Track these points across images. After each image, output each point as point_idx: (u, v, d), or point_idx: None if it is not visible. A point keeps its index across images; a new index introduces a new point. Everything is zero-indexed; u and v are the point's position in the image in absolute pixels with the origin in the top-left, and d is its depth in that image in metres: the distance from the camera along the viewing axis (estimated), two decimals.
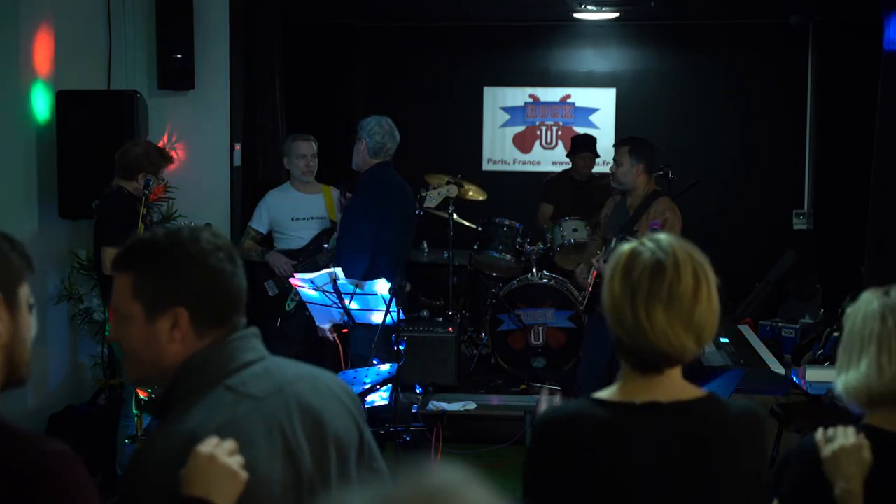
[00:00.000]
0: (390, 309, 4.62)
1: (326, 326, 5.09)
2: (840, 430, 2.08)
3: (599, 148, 8.08)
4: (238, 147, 6.49)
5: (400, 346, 4.72)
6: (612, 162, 5.60)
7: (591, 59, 9.26)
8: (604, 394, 1.95)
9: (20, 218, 5.46)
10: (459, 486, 0.93)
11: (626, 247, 1.93)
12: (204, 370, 1.78)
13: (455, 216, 6.91)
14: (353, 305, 4.71)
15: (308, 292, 4.80)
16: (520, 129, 9.31)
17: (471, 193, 7.25)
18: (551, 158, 9.09)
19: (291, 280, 5.00)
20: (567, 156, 7.83)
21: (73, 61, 5.85)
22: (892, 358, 2.06)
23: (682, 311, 1.85)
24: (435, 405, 5.94)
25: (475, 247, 7.08)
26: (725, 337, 5.08)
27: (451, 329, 6.54)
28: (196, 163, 6.02)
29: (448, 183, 5.61)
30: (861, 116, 7.52)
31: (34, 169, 5.59)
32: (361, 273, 4.95)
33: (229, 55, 6.35)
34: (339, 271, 4.73)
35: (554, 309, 6.79)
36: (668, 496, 1.87)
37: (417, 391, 6.09)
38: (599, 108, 9.21)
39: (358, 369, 4.71)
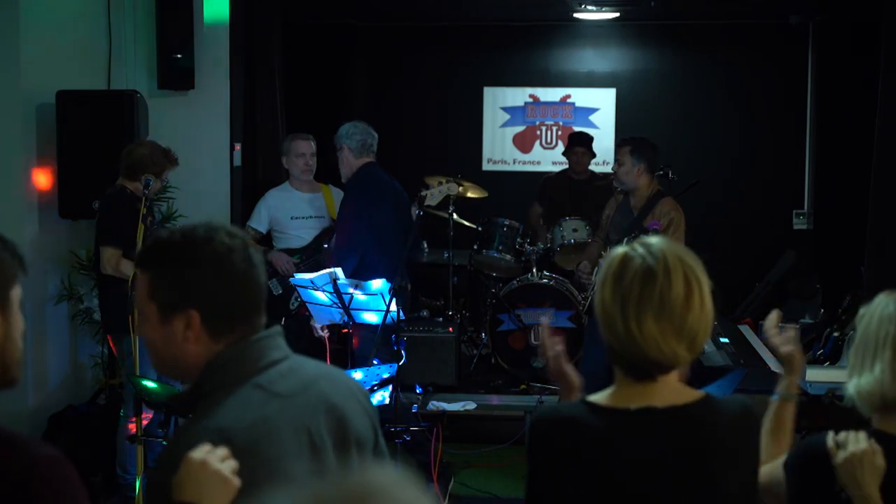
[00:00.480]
0: (390, 309, 4.62)
1: (318, 326, 5.10)
2: (851, 435, 2.05)
3: (599, 148, 8.09)
4: (238, 147, 6.49)
5: (400, 346, 4.73)
6: (612, 162, 5.61)
7: (591, 59, 9.26)
8: (599, 397, 1.93)
9: (20, 218, 5.46)
10: (391, 486, 0.93)
11: (618, 252, 1.91)
12: (230, 368, 1.79)
13: (455, 216, 6.91)
14: (360, 296, 4.72)
15: (310, 291, 4.80)
16: (520, 129, 9.31)
17: (471, 193, 7.25)
18: (551, 158, 9.09)
19: (291, 280, 5.01)
20: (563, 153, 7.84)
21: (73, 61, 5.85)
22: None
23: (673, 319, 1.83)
24: (435, 405, 5.94)
25: (475, 247, 7.08)
26: (725, 337, 5.08)
27: (451, 329, 6.54)
28: (196, 163, 6.01)
29: (448, 181, 5.59)
30: (861, 116, 7.51)
31: (34, 169, 5.59)
32: (350, 271, 4.96)
33: (229, 55, 6.35)
34: (339, 271, 4.74)
35: (554, 309, 6.79)
36: (666, 501, 1.86)
37: (417, 391, 6.09)
38: (599, 108, 9.21)
39: (356, 369, 4.72)
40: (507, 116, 9.31)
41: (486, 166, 9.27)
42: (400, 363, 4.60)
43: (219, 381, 1.78)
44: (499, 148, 9.32)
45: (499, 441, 5.74)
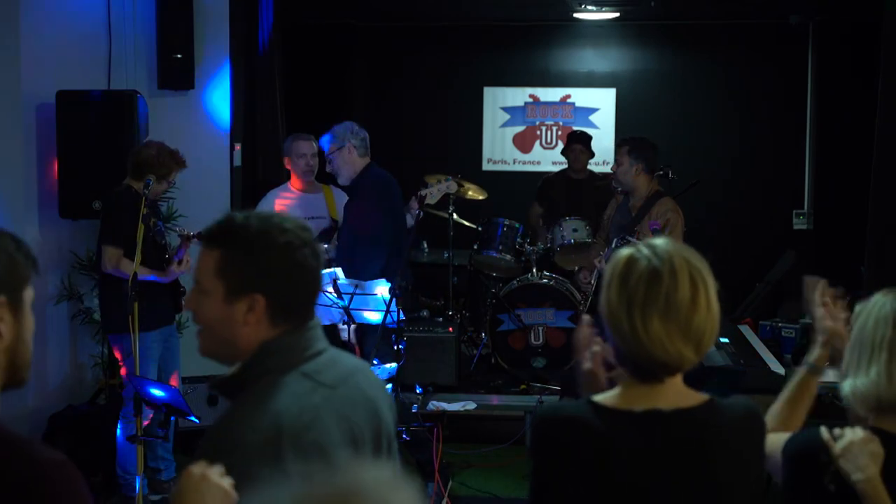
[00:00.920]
0: (390, 309, 4.62)
1: (345, 328, 5.09)
2: (847, 429, 2.07)
3: (599, 148, 8.09)
4: (238, 147, 6.49)
5: (400, 346, 4.73)
6: (612, 162, 5.62)
7: (591, 59, 9.26)
8: (604, 398, 1.92)
9: (20, 218, 5.46)
10: (380, 486, 0.93)
11: (624, 253, 1.91)
12: (281, 355, 1.82)
13: (455, 216, 6.91)
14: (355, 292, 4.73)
15: None
16: (520, 129, 9.31)
17: (471, 193, 7.25)
18: (551, 158, 9.08)
19: None
20: (562, 152, 7.84)
21: (73, 61, 5.85)
22: None
23: (679, 320, 1.82)
24: (435, 405, 5.94)
25: (475, 247, 7.08)
26: (725, 337, 5.08)
27: (451, 329, 6.54)
28: (196, 163, 5.99)
29: (447, 179, 5.57)
30: (861, 116, 7.51)
31: (34, 169, 5.59)
32: (378, 271, 4.96)
33: (229, 55, 6.35)
34: (338, 271, 4.73)
35: (554, 309, 6.79)
36: None
37: (417, 391, 6.10)
38: (599, 108, 9.21)
39: None
40: (507, 116, 9.31)
41: (486, 166, 9.27)
42: (400, 363, 4.60)
43: (269, 366, 1.81)
44: (499, 148, 9.32)
45: (499, 441, 5.74)
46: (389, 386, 4.56)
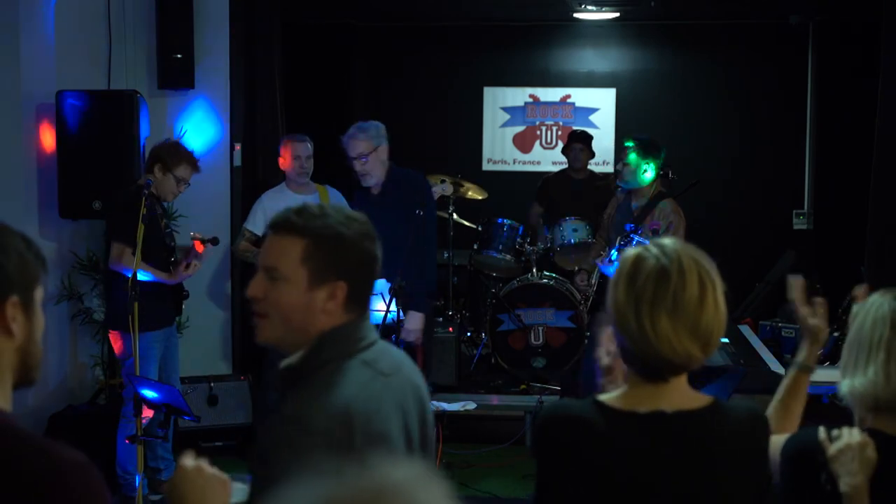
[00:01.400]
0: (390, 309, 4.62)
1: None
2: (845, 430, 2.06)
3: (599, 148, 8.08)
4: (238, 147, 6.49)
5: (400, 346, 4.72)
6: (612, 162, 5.59)
7: (591, 59, 9.26)
8: (609, 398, 1.92)
9: (20, 218, 5.45)
10: (410, 484, 0.92)
11: (631, 252, 1.91)
12: (343, 343, 1.88)
13: (455, 216, 6.91)
14: None
15: None
16: (520, 129, 9.31)
17: (471, 193, 7.25)
18: (551, 158, 9.08)
19: None
20: (562, 151, 7.84)
21: (73, 61, 5.85)
22: None
23: (687, 319, 1.83)
24: (435, 405, 5.94)
25: (475, 247, 7.08)
26: (725, 337, 5.09)
27: (451, 329, 6.55)
28: None
29: (442, 181, 5.57)
30: (861, 116, 7.51)
31: (34, 169, 5.59)
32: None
33: (229, 55, 6.35)
34: None
35: (554, 309, 6.79)
36: None
37: None
38: (599, 108, 9.21)
39: None
40: (507, 116, 9.31)
41: (486, 166, 9.27)
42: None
43: (333, 353, 1.86)
44: (499, 148, 9.32)
45: (499, 441, 5.74)
46: None
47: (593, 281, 5.87)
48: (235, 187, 6.42)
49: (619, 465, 1.85)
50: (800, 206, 8.91)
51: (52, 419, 5.44)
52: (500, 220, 6.99)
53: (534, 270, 6.88)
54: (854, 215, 7.31)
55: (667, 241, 1.92)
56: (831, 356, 5.71)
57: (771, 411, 2.34)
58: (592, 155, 7.66)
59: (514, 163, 9.31)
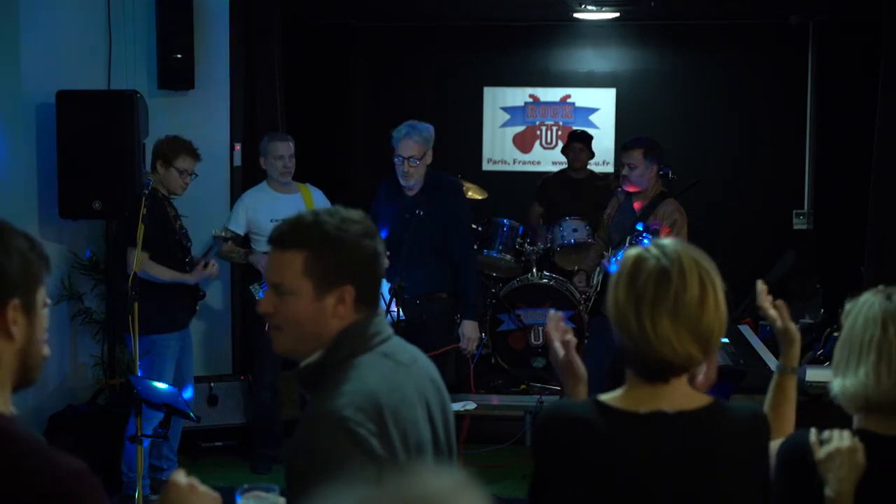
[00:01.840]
0: (390, 309, 4.62)
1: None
2: (836, 432, 2.06)
3: (599, 148, 8.08)
4: (238, 147, 6.48)
5: None
6: (612, 162, 5.57)
7: (591, 59, 9.26)
8: (609, 397, 1.92)
9: (20, 218, 5.44)
10: (451, 491, 0.92)
11: (632, 253, 1.91)
12: (359, 339, 1.91)
13: None
14: None
15: None
16: (520, 129, 9.31)
17: (471, 193, 7.25)
18: (551, 158, 9.08)
19: None
20: (562, 151, 7.84)
21: (73, 61, 5.85)
22: (892, 368, 2.03)
23: (688, 320, 1.83)
24: None
25: (475, 247, 7.08)
26: (725, 337, 5.08)
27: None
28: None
29: None
30: (861, 116, 7.51)
31: (34, 169, 5.59)
32: None
33: (229, 55, 6.35)
34: None
35: (554, 309, 6.77)
36: None
37: None
38: (599, 108, 9.21)
39: None
40: (507, 116, 9.31)
41: (486, 166, 9.27)
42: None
43: (349, 350, 1.89)
44: (499, 148, 9.32)
45: (499, 441, 5.74)
46: None
47: (594, 281, 5.84)
48: (235, 187, 6.41)
49: (619, 466, 1.85)
50: (800, 206, 8.91)
51: (52, 419, 5.43)
52: (500, 220, 6.99)
53: (534, 270, 6.88)
54: (854, 215, 7.31)
55: (667, 241, 1.92)
56: (831, 356, 5.72)
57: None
58: (592, 155, 7.65)
59: (514, 163, 9.31)
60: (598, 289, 5.43)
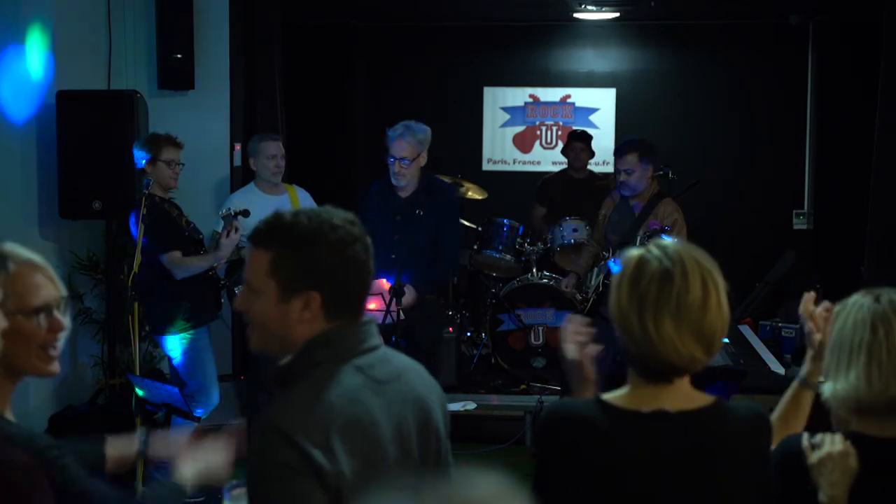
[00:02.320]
0: (390, 309, 4.62)
1: None
2: (827, 436, 2.05)
3: (599, 148, 8.07)
4: (238, 147, 6.49)
5: (400, 346, 4.72)
6: (611, 162, 5.56)
7: (591, 59, 9.25)
8: (612, 396, 1.92)
9: (20, 218, 5.46)
10: (493, 498, 0.91)
11: (634, 254, 1.91)
12: (333, 346, 1.84)
13: None
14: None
15: None
16: (520, 129, 9.30)
17: (471, 193, 7.25)
18: (551, 158, 9.08)
19: None
20: (562, 151, 7.84)
21: (73, 61, 5.85)
22: (882, 370, 2.02)
23: (691, 321, 1.83)
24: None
25: (475, 247, 7.08)
26: (726, 337, 5.08)
27: (451, 329, 6.54)
28: (196, 163, 6.01)
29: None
30: (861, 116, 7.51)
31: (34, 169, 5.59)
32: None
33: (229, 55, 6.35)
34: None
35: (554, 309, 6.79)
36: None
37: None
38: (599, 108, 9.20)
39: None
40: (507, 116, 9.31)
41: (486, 166, 9.27)
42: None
43: (322, 357, 1.83)
44: (499, 148, 9.32)
45: (499, 441, 5.73)
46: None
47: (591, 283, 5.78)
48: (235, 187, 6.41)
49: (621, 465, 1.85)
50: (800, 206, 8.91)
51: (53, 419, 5.43)
52: (500, 220, 6.99)
53: (534, 270, 6.88)
54: (854, 215, 7.31)
55: (669, 242, 1.92)
56: None
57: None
58: (592, 154, 7.65)
59: (514, 163, 9.31)
60: (601, 289, 5.42)
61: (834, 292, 2.35)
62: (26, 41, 5.44)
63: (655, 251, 1.88)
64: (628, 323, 1.86)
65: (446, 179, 6.71)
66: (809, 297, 2.38)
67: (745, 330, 6.13)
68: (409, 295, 4.96)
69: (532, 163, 9.25)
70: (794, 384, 2.34)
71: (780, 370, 4.95)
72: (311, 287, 1.82)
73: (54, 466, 2.01)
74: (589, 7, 7.89)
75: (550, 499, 1.90)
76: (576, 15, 8.24)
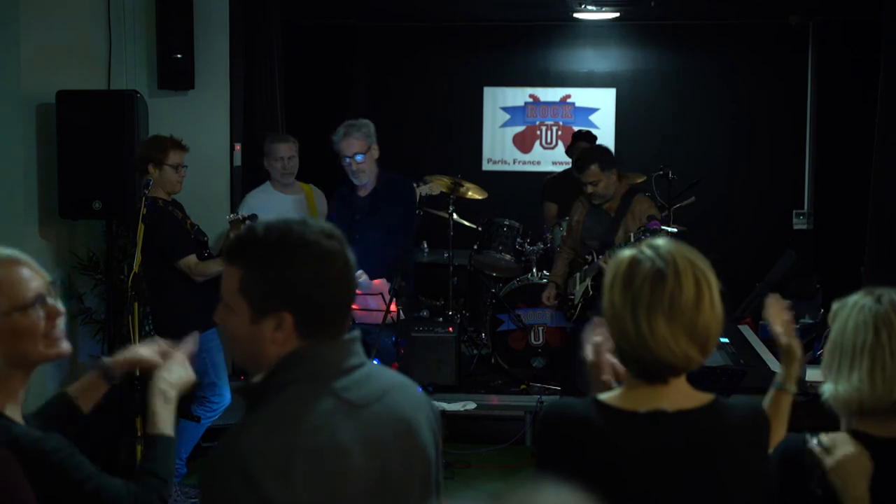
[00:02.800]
0: (390, 309, 4.62)
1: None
2: (836, 437, 2.05)
3: None
4: (238, 147, 6.49)
5: (400, 346, 4.73)
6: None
7: (591, 59, 9.26)
8: (609, 397, 1.92)
9: (20, 218, 5.46)
10: None
11: (625, 255, 1.90)
12: (307, 365, 1.74)
13: (455, 216, 6.91)
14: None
15: None
16: (520, 129, 9.31)
17: (471, 193, 7.25)
18: (551, 158, 9.09)
19: None
20: (567, 151, 7.84)
21: (73, 61, 5.85)
22: (886, 373, 2.01)
23: (684, 321, 1.82)
24: (435, 405, 5.94)
25: (475, 247, 7.08)
26: (725, 337, 5.09)
27: (451, 329, 6.55)
28: (196, 163, 6.00)
29: (424, 183, 5.46)
30: (861, 116, 7.52)
31: (34, 169, 5.59)
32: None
33: (229, 55, 6.35)
34: None
35: (553, 309, 6.78)
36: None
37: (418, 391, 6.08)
38: (599, 108, 9.21)
39: None
40: (507, 116, 9.31)
41: (486, 166, 9.27)
42: (399, 363, 4.60)
43: (294, 376, 1.73)
44: (499, 148, 9.33)
45: (499, 441, 5.74)
46: None
47: (576, 289, 5.63)
48: (235, 187, 6.42)
49: (619, 465, 1.85)
50: (800, 206, 8.92)
51: None
52: (499, 220, 6.99)
53: (534, 270, 6.88)
54: (854, 215, 7.31)
55: (660, 241, 1.90)
56: None
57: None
58: None
59: (514, 163, 9.31)
60: (591, 293, 5.39)
61: (834, 292, 2.35)
62: (26, 41, 5.44)
63: (647, 251, 1.87)
64: (622, 323, 1.85)
65: (445, 179, 6.71)
66: (775, 302, 2.39)
67: (745, 330, 6.13)
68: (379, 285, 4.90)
69: (532, 163, 9.26)
70: (771, 390, 2.35)
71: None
72: (282, 307, 1.72)
73: (66, 466, 2.00)
74: (589, 7, 7.89)
75: None
76: (576, 15, 8.25)
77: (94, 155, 5.45)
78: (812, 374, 4.28)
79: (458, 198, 6.98)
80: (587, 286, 5.46)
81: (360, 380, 1.78)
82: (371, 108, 9.13)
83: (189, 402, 4.98)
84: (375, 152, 5.15)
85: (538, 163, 9.22)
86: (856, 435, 2.06)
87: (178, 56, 6.13)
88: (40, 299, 1.91)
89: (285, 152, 5.72)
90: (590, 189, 5.41)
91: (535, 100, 9.28)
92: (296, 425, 1.67)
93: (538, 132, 9.30)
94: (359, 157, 5.07)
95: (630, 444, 1.85)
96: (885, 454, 2.04)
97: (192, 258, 4.82)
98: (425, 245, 7.77)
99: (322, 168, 6.02)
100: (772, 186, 8.90)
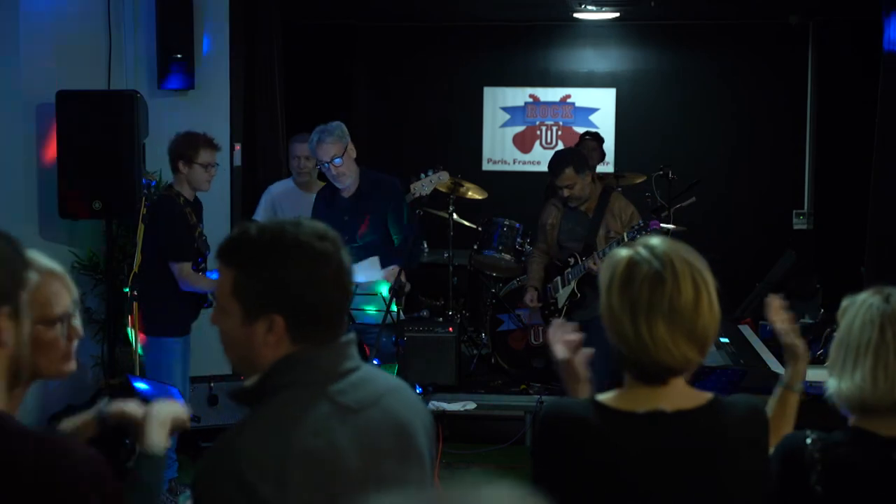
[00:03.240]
0: (390, 309, 4.62)
1: None
2: (834, 434, 2.06)
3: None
4: (238, 147, 6.49)
5: (400, 346, 4.72)
6: (611, 162, 5.56)
7: (591, 59, 9.26)
8: (608, 397, 1.92)
9: (20, 218, 5.46)
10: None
11: (623, 256, 1.89)
12: (301, 369, 1.72)
13: (455, 216, 6.91)
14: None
15: None
16: (520, 129, 9.31)
17: (471, 193, 7.25)
18: None
19: None
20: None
21: (73, 61, 5.85)
22: (889, 372, 2.02)
23: (683, 324, 1.82)
24: (435, 405, 5.94)
25: (475, 247, 7.08)
26: (725, 337, 5.08)
27: (451, 329, 6.54)
28: None
29: (434, 171, 5.38)
30: (861, 116, 7.51)
31: (34, 169, 5.59)
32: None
33: (229, 55, 6.35)
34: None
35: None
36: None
37: (417, 391, 6.09)
38: (599, 108, 9.21)
39: None
40: (507, 116, 9.31)
41: (486, 166, 9.27)
42: (399, 363, 4.60)
43: (288, 380, 1.71)
44: (499, 148, 9.32)
45: (499, 441, 5.74)
46: None
47: (559, 293, 5.56)
48: (235, 187, 6.42)
49: (618, 465, 1.85)
50: (800, 206, 8.92)
51: (52, 419, 5.43)
52: (499, 220, 6.99)
53: None
54: (854, 215, 7.31)
55: (656, 241, 1.90)
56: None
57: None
58: (603, 156, 7.68)
59: (514, 163, 9.31)
60: (577, 296, 5.40)
61: (834, 292, 2.35)
62: (26, 41, 5.44)
63: (644, 252, 1.86)
64: (621, 326, 1.85)
65: (440, 180, 6.69)
66: (776, 303, 2.40)
67: (745, 330, 6.11)
68: (390, 273, 4.84)
69: (532, 163, 9.25)
70: (778, 389, 2.36)
71: (780, 370, 4.92)
72: (274, 310, 1.70)
73: None
74: (589, 7, 7.89)
75: (549, 500, 1.90)
76: (576, 15, 8.24)
77: (94, 155, 5.45)
78: (812, 374, 4.28)
79: (458, 198, 6.99)
80: (572, 289, 5.42)
81: (355, 383, 1.76)
82: (371, 109, 9.15)
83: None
84: (353, 152, 5.11)
85: (538, 163, 9.21)
86: (856, 432, 2.06)
87: (178, 56, 6.13)
88: (66, 318, 1.91)
89: (301, 152, 5.80)
90: (566, 192, 5.36)
91: (535, 100, 9.28)
92: (291, 429, 1.66)
93: (538, 132, 9.30)
94: (337, 161, 5.01)
95: (629, 445, 1.85)
96: (886, 453, 2.04)
97: (187, 265, 4.80)
98: (425, 245, 7.77)
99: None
100: (772, 186, 8.90)
